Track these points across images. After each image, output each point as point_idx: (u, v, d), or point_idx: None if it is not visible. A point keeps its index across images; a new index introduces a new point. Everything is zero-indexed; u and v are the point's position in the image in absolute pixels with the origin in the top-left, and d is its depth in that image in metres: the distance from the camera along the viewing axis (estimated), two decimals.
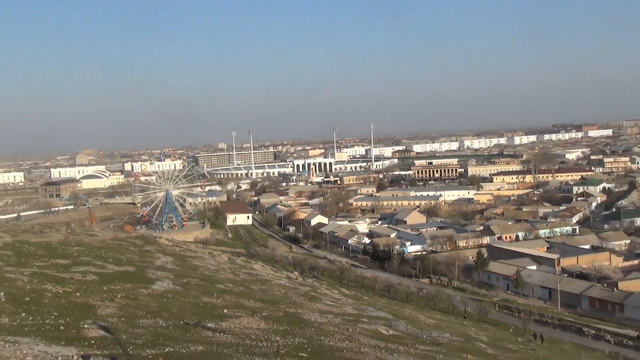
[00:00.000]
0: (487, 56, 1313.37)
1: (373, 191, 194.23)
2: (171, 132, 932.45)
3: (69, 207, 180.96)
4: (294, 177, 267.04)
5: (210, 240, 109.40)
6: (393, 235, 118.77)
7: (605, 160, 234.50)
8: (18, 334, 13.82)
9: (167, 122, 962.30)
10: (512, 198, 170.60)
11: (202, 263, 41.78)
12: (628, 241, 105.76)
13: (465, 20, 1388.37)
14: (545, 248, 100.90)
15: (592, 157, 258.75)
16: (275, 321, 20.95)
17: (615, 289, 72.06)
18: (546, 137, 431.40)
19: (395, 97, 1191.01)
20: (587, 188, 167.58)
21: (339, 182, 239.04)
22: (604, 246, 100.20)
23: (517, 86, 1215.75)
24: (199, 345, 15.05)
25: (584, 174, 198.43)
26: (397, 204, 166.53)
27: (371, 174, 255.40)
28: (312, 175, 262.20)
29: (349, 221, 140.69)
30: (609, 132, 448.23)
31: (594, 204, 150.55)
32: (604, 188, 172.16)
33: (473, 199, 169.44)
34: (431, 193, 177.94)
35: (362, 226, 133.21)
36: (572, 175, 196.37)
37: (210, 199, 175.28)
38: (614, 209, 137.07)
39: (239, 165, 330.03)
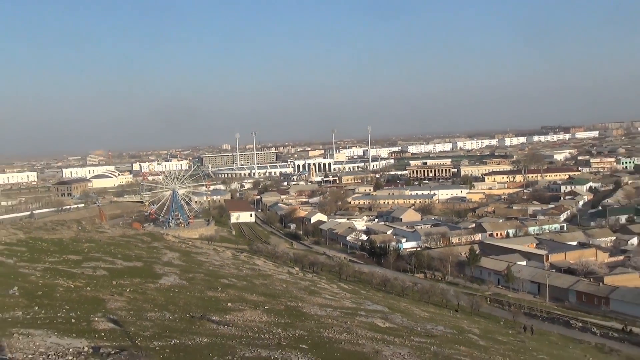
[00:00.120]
0: (479, 61, 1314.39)
1: (370, 190, 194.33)
2: (177, 133, 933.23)
3: (80, 205, 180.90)
4: (294, 177, 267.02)
5: (214, 237, 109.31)
6: (389, 232, 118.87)
7: (591, 160, 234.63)
8: (31, 327, 13.82)
9: (173, 124, 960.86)
10: (502, 197, 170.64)
11: (207, 259, 41.77)
12: (613, 238, 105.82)
13: (458, 27, 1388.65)
14: (535, 244, 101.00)
15: (579, 158, 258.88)
16: (276, 314, 20.96)
17: (601, 283, 72.13)
18: (535, 138, 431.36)
19: (392, 100, 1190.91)
20: (575, 187, 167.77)
21: (337, 181, 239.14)
22: (590, 243, 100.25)
23: (508, 90, 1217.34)
24: (204, 337, 15.05)
25: (571, 173, 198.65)
26: (393, 202, 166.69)
27: (368, 174, 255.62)
28: (312, 175, 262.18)
29: (347, 219, 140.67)
30: (595, 134, 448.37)
31: (581, 203, 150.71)
32: (590, 187, 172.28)
33: (465, 197, 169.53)
34: (426, 192, 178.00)
35: (360, 224, 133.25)
36: (560, 175, 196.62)
37: (214, 197, 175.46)
38: (600, 207, 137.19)
39: (242, 165, 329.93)
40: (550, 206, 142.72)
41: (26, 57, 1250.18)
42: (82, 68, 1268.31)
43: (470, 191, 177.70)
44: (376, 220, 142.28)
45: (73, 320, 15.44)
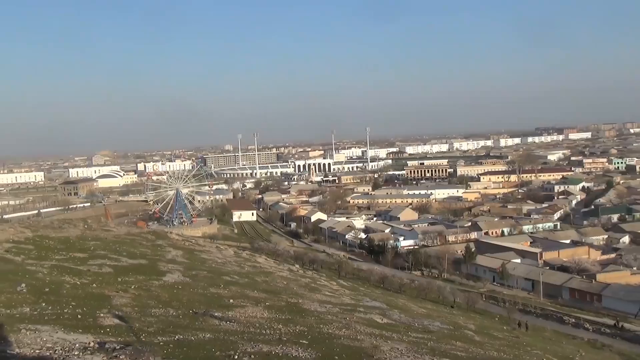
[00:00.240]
0: (475, 65, 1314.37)
1: (369, 190, 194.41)
2: (181, 134, 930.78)
3: (86, 204, 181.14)
4: (295, 177, 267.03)
5: (217, 236, 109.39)
6: (387, 230, 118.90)
7: (584, 161, 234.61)
8: (38, 323, 13.82)
9: (177, 125, 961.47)
10: (497, 196, 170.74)
11: (209, 256, 41.71)
12: (605, 236, 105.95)
13: (454, 32, 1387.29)
14: (529, 243, 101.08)
15: (572, 158, 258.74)
16: (277, 310, 20.94)
17: (593, 280, 72.21)
18: (530, 139, 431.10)
19: (389, 102, 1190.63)
20: (568, 187, 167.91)
21: (337, 181, 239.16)
22: (583, 241, 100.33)
23: (503, 92, 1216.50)
24: (207, 333, 15.05)
25: (564, 174, 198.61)
26: (391, 201, 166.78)
27: (367, 174, 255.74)
28: (312, 175, 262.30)
29: (347, 217, 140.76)
30: (588, 135, 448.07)
31: (574, 202, 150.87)
32: (583, 187, 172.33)
33: (462, 197, 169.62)
34: (423, 191, 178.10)
35: (359, 222, 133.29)
36: (553, 175, 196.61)
37: (217, 197, 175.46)
38: (592, 207, 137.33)
39: (244, 165, 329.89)
40: (544, 205, 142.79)
41: (34, 61, 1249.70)
42: (89, 71, 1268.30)
43: (466, 191, 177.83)
44: (374, 219, 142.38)
45: (79, 316, 15.44)
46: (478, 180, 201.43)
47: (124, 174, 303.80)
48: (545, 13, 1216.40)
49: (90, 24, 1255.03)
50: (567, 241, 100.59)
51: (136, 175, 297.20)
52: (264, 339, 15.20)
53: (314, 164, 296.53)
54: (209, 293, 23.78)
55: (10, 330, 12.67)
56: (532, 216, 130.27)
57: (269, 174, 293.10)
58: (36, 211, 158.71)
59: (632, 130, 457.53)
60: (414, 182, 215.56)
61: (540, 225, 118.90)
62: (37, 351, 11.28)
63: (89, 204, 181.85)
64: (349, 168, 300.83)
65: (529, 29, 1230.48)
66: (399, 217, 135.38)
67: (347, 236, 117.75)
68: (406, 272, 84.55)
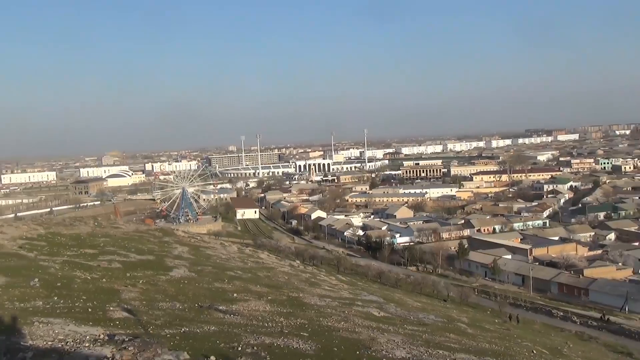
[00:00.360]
0: (469, 70, 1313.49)
1: (366, 189, 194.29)
2: (187, 136, 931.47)
3: (96, 202, 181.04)
4: (296, 176, 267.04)
5: (221, 233, 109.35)
6: (384, 228, 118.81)
7: (572, 161, 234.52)
8: (51, 316, 13.82)
9: (183, 127, 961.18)
10: (489, 195, 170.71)
11: (214, 253, 41.69)
12: (592, 233, 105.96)
13: (447, 38, 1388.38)
14: (519, 239, 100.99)
15: (561, 159, 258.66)
16: (279, 304, 20.95)
17: (580, 275, 72.25)
18: (520, 140, 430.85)
19: (386, 105, 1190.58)
20: (556, 186, 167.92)
21: (336, 180, 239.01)
22: (571, 238, 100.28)
23: (495, 96, 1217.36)
24: (212, 326, 15.06)
25: (553, 173, 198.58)
26: (387, 200, 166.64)
27: (365, 174, 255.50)
28: (312, 174, 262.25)
29: (345, 215, 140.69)
30: (575, 136, 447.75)
31: (562, 200, 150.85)
32: (571, 186, 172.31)
33: (455, 195, 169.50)
34: (418, 190, 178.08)
35: (357, 220, 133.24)
36: (543, 175, 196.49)
37: (221, 195, 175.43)
38: (580, 205, 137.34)
39: (248, 165, 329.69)
40: (533, 204, 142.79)
41: (45, 65, 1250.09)
42: (99, 76, 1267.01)
43: (460, 190, 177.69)
44: (372, 216, 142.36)
45: (90, 310, 15.45)
46: (471, 179, 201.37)
47: (132, 174, 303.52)
48: (536, 19, 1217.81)
49: (96, 27, 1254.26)
50: (556, 238, 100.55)
51: (144, 175, 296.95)
52: (266, 331, 15.21)
53: (314, 164, 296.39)
54: (213, 287, 23.78)
55: (24, 322, 12.68)
56: (522, 214, 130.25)
57: (271, 173, 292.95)
58: (48, 209, 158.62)
59: (617, 132, 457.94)
60: (410, 182, 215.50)
61: (530, 223, 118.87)
62: (50, 343, 11.28)
63: (99, 202, 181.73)
64: (347, 168, 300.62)
65: (521, 35, 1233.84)
66: (395, 215, 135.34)
67: (345, 233, 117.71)
68: (402, 268, 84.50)
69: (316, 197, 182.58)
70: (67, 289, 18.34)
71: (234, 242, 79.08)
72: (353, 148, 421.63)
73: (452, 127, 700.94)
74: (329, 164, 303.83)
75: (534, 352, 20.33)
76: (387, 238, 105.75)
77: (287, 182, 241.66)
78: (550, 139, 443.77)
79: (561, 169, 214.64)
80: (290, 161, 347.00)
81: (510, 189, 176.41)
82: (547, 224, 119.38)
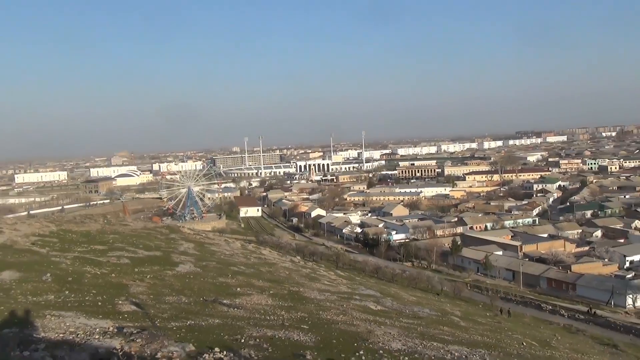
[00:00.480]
0: (462, 75, 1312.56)
1: (364, 188, 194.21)
2: (192, 137, 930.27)
3: (105, 201, 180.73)
4: (296, 176, 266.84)
5: (225, 230, 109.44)
6: (381, 225, 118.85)
7: (560, 162, 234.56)
8: (62, 309, 13.82)
9: (189, 129, 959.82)
10: (481, 194, 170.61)
11: (218, 249, 41.69)
12: (580, 231, 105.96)
13: (441, 45, 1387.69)
14: (510, 236, 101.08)
15: (550, 160, 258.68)
16: (280, 298, 20.95)
17: (568, 271, 72.27)
18: (511, 142, 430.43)
19: (383, 108, 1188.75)
20: (545, 186, 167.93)
21: (335, 180, 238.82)
22: (559, 235, 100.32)
23: (487, 99, 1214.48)
24: (216, 319, 15.06)
25: (542, 173, 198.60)
26: (384, 199, 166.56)
27: (362, 174, 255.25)
28: (312, 174, 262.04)
29: (344, 213, 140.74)
30: (563, 138, 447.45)
31: (551, 199, 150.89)
32: (559, 186, 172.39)
33: (449, 194, 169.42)
34: (413, 190, 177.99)
35: (355, 218, 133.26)
36: (532, 175, 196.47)
37: (225, 194, 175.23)
38: (568, 204, 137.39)
39: (250, 165, 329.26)
40: (523, 202, 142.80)
41: (58, 70, 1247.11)
42: (107, 78, 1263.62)
43: (453, 189, 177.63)
44: (369, 214, 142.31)
45: (99, 303, 15.44)
46: (464, 179, 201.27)
47: (140, 174, 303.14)
48: (526, 27, 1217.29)
49: (107, 30, 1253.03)
50: (545, 235, 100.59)
51: (151, 175, 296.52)
52: (268, 324, 15.21)
53: (314, 165, 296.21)
54: (218, 282, 23.78)
55: (37, 316, 12.68)
56: (512, 212, 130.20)
57: (272, 173, 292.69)
58: (60, 207, 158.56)
59: (604, 134, 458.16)
60: (405, 181, 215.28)
61: (520, 221, 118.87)
62: (61, 335, 11.28)
63: (108, 200, 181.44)
64: (346, 168, 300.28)
65: (512, 43, 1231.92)
66: (391, 213, 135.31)
67: (344, 230, 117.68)
68: (398, 263, 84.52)
69: (316, 196, 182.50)
70: (78, 284, 18.33)
71: (237, 239, 79.12)
72: (351, 149, 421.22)
73: (446, 129, 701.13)
74: (328, 164, 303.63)
75: (524, 344, 20.33)
76: (384, 235, 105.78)
77: (288, 182, 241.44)
78: (539, 140, 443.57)
79: (550, 169, 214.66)
80: (291, 161, 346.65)
81: (502, 189, 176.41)
82: (537, 222, 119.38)
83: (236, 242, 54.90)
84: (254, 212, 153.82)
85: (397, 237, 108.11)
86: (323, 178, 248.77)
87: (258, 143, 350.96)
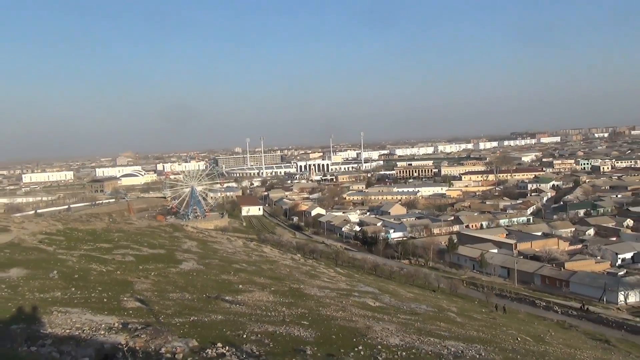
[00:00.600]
0: (457, 77, 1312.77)
1: (363, 188, 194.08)
2: (196, 138, 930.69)
3: (110, 200, 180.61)
4: (297, 176, 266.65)
5: (228, 228, 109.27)
6: (379, 224, 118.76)
7: (554, 162, 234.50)
8: (68, 305, 13.82)
9: (192, 130, 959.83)
10: (477, 193, 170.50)
11: (221, 247, 41.70)
12: (573, 229, 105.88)
13: (434, 50, 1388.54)
14: (505, 235, 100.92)
15: (544, 160, 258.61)
16: (281, 295, 20.95)
17: (562, 268, 72.22)
18: (506, 143, 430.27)
19: (381, 109, 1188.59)
20: (539, 185, 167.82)
21: (334, 180, 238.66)
22: (553, 233, 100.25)
23: (482, 102, 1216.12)
24: (219, 315, 15.06)
25: (536, 173, 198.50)
26: (382, 198, 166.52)
27: (361, 174, 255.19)
28: (312, 174, 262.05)
29: (343, 212, 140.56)
30: (557, 139, 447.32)
31: (545, 198, 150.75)
32: (553, 185, 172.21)
33: (445, 194, 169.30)
34: (411, 189, 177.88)
35: (354, 216, 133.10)
36: (527, 175, 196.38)
37: (228, 193, 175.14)
38: (561, 203, 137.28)
39: (252, 166, 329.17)
40: (518, 202, 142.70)
41: (65, 72, 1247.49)
42: (113, 80, 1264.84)
43: (449, 188, 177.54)
44: (368, 213, 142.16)
45: (105, 300, 15.44)
46: (460, 179, 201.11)
47: (144, 173, 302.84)
48: (522, 31, 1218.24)
49: (112, 32, 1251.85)
50: (539, 233, 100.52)
51: (155, 175, 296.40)
52: (270, 320, 15.21)
53: (314, 165, 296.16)
54: (220, 279, 23.78)
55: (44, 312, 12.67)
56: (507, 211, 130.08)
57: (273, 173, 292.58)
58: (66, 206, 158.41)
59: (596, 135, 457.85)
60: (403, 181, 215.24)
61: (515, 219, 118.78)
62: (68, 331, 11.28)
63: (113, 200, 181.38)
64: (345, 168, 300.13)
65: (508, 47, 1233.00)
66: (389, 212, 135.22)
67: (343, 229, 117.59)
68: (396, 261, 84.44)
69: (316, 195, 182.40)
70: (84, 281, 18.33)
71: (239, 237, 79.09)
72: (350, 150, 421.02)
73: (442, 130, 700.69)
74: (328, 165, 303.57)
75: (519, 339, 20.34)
76: (382, 233, 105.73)
77: (289, 182, 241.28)
78: (533, 141, 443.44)
79: (544, 169, 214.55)
80: (292, 162, 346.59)
81: (497, 188, 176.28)
82: (531, 221, 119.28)
83: (238, 241, 54.87)
84: (255, 211, 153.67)
85: (395, 235, 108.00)
86: (323, 178, 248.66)
87: (259, 144, 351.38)
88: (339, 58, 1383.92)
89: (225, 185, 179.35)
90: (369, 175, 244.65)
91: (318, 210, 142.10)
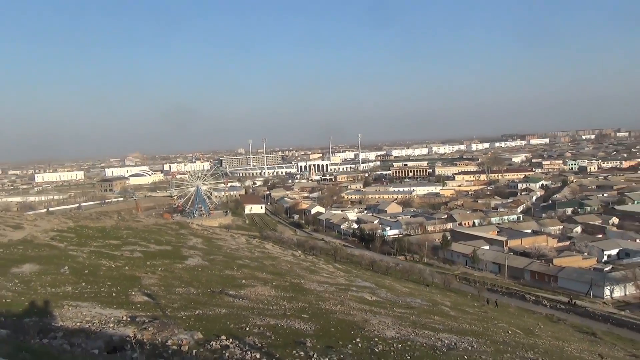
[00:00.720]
0: (451, 80, 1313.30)
1: (360, 187, 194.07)
2: (201, 139, 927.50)
3: (119, 199, 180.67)
4: (297, 176, 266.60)
5: (231, 226, 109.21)
6: (376, 221, 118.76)
7: (543, 163, 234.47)
8: (79, 300, 13.81)
9: (197, 132, 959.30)
10: (470, 192, 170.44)
11: (225, 244, 41.68)
12: (561, 227, 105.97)
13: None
14: (496, 232, 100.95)
15: (533, 161, 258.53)
16: (282, 289, 20.95)
17: (550, 264, 72.25)
18: (497, 144, 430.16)
19: (378, 112, 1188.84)
20: (529, 185, 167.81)
21: (333, 179, 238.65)
22: (542, 231, 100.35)
23: (475, 104, 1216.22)
24: (223, 309, 15.06)
25: (526, 173, 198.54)
26: (379, 197, 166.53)
27: (359, 174, 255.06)
28: (312, 174, 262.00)
29: (341, 210, 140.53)
30: (546, 140, 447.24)
31: (534, 197, 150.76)
32: (542, 185, 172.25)
33: (439, 193, 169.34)
34: (406, 188, 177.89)
35: (352, 214, 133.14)
36: (517, 175, 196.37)
37: (231, 192, 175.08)
38: (550, 201, 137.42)
39: (255, 166, 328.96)
40: (509, 200, 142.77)
41: (75, 75, 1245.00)
42: (118, 81, 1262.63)
43: (443, 188, 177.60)
44: (365, 211, 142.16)
45: (114, 294, 15.44)
46: (453, 179, 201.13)
47: (152, 173, 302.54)
48: (516, 34, 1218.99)
49: (117, 35, 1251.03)
50: (529, 231, 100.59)
51: (162, 174, 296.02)
52: (271, 313, 15.21)
53: (314, 165, 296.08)
54: (224, 274, 23.77)
55: (55, 306, 12.67)
56: (498, 209, 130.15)
57: (275, 173, 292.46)
58: (77, 205, 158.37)
59: (584, 137, 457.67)
60: (399, 181, 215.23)
61: (505, 217, 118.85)
62: (78, 324, 11.28)
63: (122, 198, 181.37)
64: (343, 168, 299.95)
65: (500, 51, 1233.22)
66: (386, 210, 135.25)
67: (342, 226, 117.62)
68: (392, 257, 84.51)
69: (316, 194, 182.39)
70: (94, 276, 18.33)
71: (242, 235, 79.08)
72: (349, 151, 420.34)
73: (437, 132, 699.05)
74: (327, 165, 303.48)
75: (509, 332, 20.35)
76: (379, 231, 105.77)
77: (290, 181, 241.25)
78: (523, 142, 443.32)
79: (533, 169, 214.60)
80: (293, 162, 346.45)
81: (488, 187, 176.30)
82: (521, 219, 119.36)
83: (241, 237, 54.85)
84: (258, 209, 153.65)
85: (391, 232, 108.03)
86: (322, 178, 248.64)
87: (262, 145, 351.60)
88: (338, 62, 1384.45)
89: (229, 184, 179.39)
90: (366, 175, 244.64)
91: (318, 208, 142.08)
